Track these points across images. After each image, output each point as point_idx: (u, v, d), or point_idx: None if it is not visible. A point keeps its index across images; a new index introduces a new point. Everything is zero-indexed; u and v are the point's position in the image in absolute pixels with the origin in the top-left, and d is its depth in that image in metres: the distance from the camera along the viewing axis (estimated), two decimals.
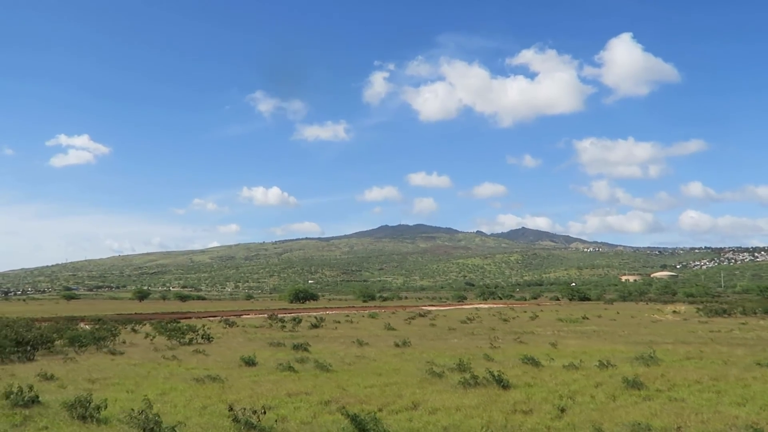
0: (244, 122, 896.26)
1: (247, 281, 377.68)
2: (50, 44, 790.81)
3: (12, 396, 13.10)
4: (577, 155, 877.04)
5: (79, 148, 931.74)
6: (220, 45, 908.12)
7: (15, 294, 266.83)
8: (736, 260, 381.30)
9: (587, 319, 54.55)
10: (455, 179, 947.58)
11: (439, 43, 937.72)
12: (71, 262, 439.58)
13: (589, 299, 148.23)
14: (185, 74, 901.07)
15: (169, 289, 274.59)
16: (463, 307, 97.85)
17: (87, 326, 36.65)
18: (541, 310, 74.07)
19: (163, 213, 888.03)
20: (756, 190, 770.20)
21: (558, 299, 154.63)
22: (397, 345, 27.74)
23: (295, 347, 26.24)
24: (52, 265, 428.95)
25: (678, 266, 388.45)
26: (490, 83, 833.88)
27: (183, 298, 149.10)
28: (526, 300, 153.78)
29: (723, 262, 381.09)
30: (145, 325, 45.59)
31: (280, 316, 59.85)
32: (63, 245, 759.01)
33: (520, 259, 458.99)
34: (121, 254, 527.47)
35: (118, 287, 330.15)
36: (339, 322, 51.79)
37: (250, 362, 20.82)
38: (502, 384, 15.18)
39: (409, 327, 43.88)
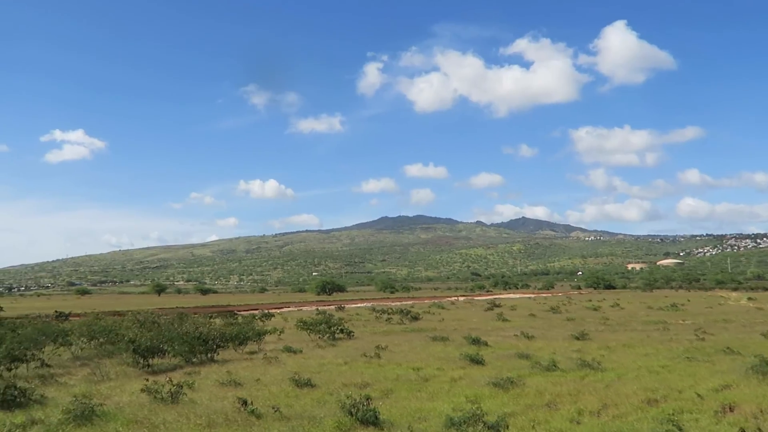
0: (238, 115, 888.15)
1: (251, 274, 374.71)
2: (42, 39, 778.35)
3: (354, 411, 10.39)
4: (573, 144, 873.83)
5: (74, 143, 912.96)
6: (211, 38, 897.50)
7: (18, 290, 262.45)
8: (738, 247, 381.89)
9: (676, 307, 52.20)
10: (452, 170, 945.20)
11: (432, 33, 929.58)
12: (71, 257, 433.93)
13: (614, 287, 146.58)
14: (177, 67, 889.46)
15: (173, 283, 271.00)
16: (510, 296, 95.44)
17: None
18: (604, 299, 71.70)
19: (161, 207, 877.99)
20: (753, 176, 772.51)
21: (579, 288, 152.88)
22: (576, 338, 25.21)
23: (474, 341, 23.67)
24: (53, 261, 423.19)
25: (681, 253, 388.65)
26: (485, 73, 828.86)
27: (204, 291, 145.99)
28: (548, 289, 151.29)
29: (726, 249, 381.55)
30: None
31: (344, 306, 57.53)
32: (61, 241, 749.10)
33: (523, 249, 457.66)
34: (120, 249, 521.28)
35: (121, 282, 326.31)
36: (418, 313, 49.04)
37: (476, 360, 18.22)
38: None
39: (524, 319, 41.17)
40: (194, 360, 19.16)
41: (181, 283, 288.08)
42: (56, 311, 44.02)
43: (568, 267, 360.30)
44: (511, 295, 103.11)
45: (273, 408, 11.03)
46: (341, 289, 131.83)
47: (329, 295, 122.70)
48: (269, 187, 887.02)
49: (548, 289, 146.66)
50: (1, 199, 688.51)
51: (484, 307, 55.60)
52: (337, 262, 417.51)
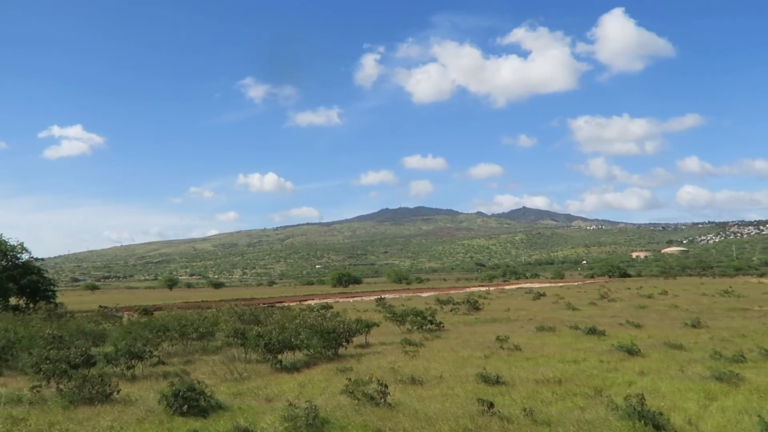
0: (235, 109, 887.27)
1: (254, 268, 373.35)
2: (40, 39, 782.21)
3: (640, 415, 8.85)
4: (572, 133, 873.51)
5: (73, 139, 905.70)
6: (206, 32, 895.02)
7: None
8: (741, 234, 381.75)
9: (729, 293, 50.85)
10: (451, 161, 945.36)
11: (428, 23, 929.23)
12: (73, 254, 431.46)
13: (629, 275, 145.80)
14: (174, 62, 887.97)
15: (178, 278, 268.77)
16: (533, 285, 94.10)
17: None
18: (641, 287, 70.39)
19: (160, 202, 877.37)
20: (753, 163, 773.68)
21: (593, 276, 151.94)
22: (693, 326, 23.76)
23: (590, 331, 22.20)
24: (55, 257, 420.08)
25: (684, 241, 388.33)
26: (483, 63, 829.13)
27: (216, 285, 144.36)
28: (560, 278, 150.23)
29: (729, 236, 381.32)
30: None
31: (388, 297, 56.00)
32: (62, 237, 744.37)
33: (525, 239, 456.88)
34: (122, 244, 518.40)
35: (125, 277, 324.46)
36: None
37: (632, 351, 16.71)
38: None
39: (589, 308, 39.72)
40: (326, 355, 17.58)
41: (185, 277, 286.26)
42: (101, 306, 42.38)
43: (572, 256, 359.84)
44: (534, 285, 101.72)
45: (524, 411, 9.47)
46: (357, 281, 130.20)
47: (345, 287, 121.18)
48: (268, 181, 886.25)
49: (560, 279, 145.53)
50: (1, 197, 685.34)
51: (531, 297, 54.06)
52: (340, 255, 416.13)
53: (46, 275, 38.82)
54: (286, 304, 49.09)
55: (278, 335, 15.91)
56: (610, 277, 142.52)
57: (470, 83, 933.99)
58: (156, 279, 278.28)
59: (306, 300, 67.31)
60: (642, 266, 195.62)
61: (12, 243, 35.75)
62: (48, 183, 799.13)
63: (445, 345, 20.08)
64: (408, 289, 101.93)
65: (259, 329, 16.34)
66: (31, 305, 32.52)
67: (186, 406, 10.33)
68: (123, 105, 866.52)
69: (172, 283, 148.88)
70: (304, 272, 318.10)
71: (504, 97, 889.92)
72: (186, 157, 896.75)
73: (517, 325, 26.36)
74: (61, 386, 12.74)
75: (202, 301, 71.10)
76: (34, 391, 12.32)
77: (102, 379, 11.44)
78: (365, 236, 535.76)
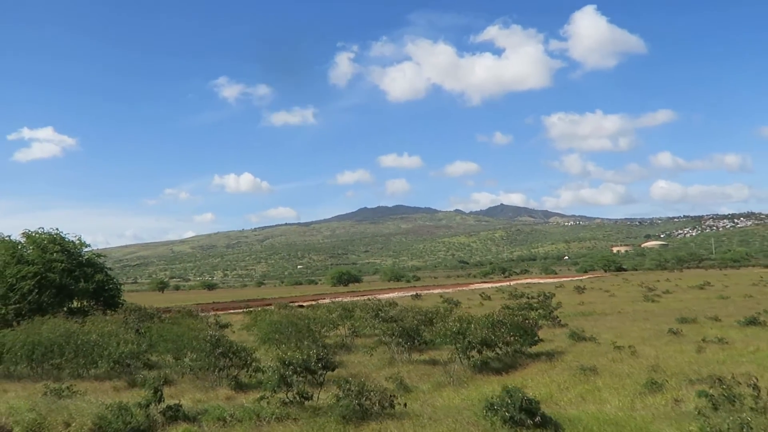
0: (209, 110, 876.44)
1: (235, 269, 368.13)
2: (7, 40, 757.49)
3: None
4: (547, 131, 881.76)
5: (44, 141, 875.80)
6: (179, 32, 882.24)
7: None
8: (717, 227, 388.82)
9: None
10: (426, 159, 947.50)
11: (402, 21, 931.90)
12: None
13: (625, 269, 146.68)
14: (146, 63, 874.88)
15: (167, 281, 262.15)
16: (541, 281, 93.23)
17: None
18: (667, 280, 69.82)
19: (135, 204, 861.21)
20: (723, 158, 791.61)
21: (585, 271, 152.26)
22: None
23: (750, 322, 20.65)
24: None
25: (662, 236, 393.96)
26: (457, 61, 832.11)
27: (210, 287, 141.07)
28: (553, 274, 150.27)
29: (705, 230, 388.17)
30: None
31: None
32: None
33: (505, 236, 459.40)
34: (97, 248, 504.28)
35: None
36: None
37: None
38: None
39: (669, 300, 38.39)
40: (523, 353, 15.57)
41: (167, 279, 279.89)
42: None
43: (553, 252, 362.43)
44: (540, 280, 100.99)
45: None
46: (358, 279, 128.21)
47: (346, 285, 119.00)
48: (244, 181, 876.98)
49: (553, 274, 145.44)
50: None
51: (573, 290, 52.75)
52: (321, 255, 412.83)
53: (110, 272, 35.82)
54: (300, 304, 46.73)
55: (479, 333, 13.91)
56: (605, 271, 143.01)
57: (445, 81, 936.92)
58: (135, 282, 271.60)
59: (318, 299, 64.95)
60: (633, 260, 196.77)
61: (70, 239, 32.82)
62: (19, 186, 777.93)
63: (612, 339, 18.22)
64: (414, 286, 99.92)
65: (458, 326, 14.26)
66: (96, 306, 29.85)
67: (528, 419, 8.29)
68: (95, 106, 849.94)
69: (163, 286, 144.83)
70: (287, 272, 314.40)
71: (479, 95, 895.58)
72: (160, 158, 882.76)
73: (631, 318, 24.60)
74: (290, 395, 10.61)
75: (262, 299, 67.83)
76: (267, 402, 10.13)
77: (383, 390, 9.31)
78: (345, 236, 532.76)
